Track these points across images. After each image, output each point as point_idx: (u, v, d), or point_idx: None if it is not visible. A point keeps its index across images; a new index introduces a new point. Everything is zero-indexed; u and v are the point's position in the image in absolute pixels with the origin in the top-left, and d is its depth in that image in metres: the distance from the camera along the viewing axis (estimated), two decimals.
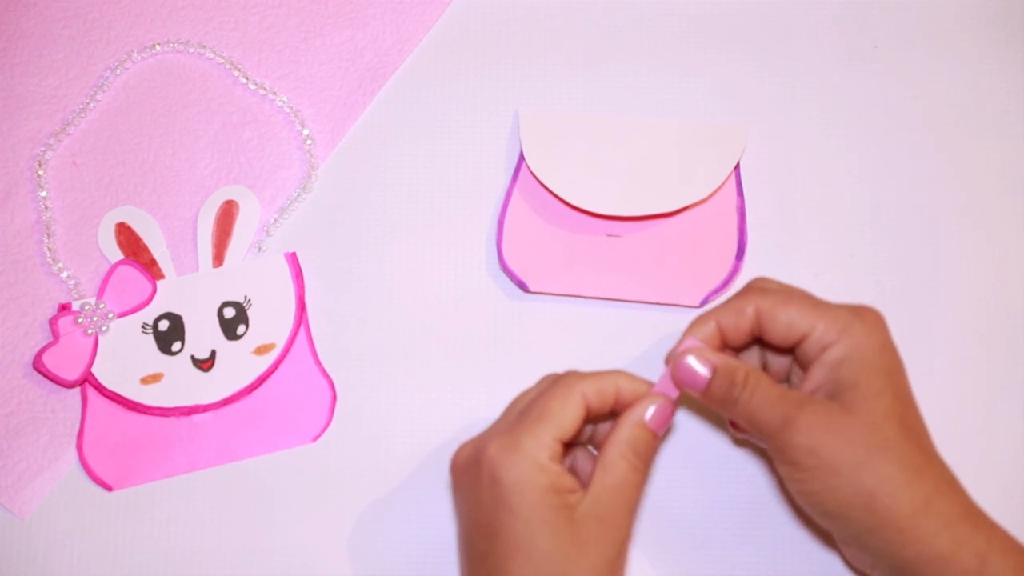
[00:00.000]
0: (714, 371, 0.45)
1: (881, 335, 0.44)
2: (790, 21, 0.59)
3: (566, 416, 0.45)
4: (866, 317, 0.44)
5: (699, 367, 0.45)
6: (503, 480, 0.43)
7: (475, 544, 0.45)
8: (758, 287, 0.47)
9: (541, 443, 0.44)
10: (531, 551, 0.43)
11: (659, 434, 0.45)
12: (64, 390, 0.54)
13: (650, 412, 0.45)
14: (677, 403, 0.46)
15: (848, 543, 0.45)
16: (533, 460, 0.43)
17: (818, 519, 0.45)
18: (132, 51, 0.58)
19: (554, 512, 0.43)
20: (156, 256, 0.55)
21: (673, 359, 0.46)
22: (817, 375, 0.44)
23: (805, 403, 0.44)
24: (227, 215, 0.56)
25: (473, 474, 0.45)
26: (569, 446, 0.48)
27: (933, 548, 0.42)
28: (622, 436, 0.45)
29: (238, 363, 0.54)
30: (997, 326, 0.55)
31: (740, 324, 0.46)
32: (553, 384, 0.46)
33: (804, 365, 0.46)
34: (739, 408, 0.45)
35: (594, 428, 0.48)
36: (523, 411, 0.46)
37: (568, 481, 0.44)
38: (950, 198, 0.57)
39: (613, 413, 0.46)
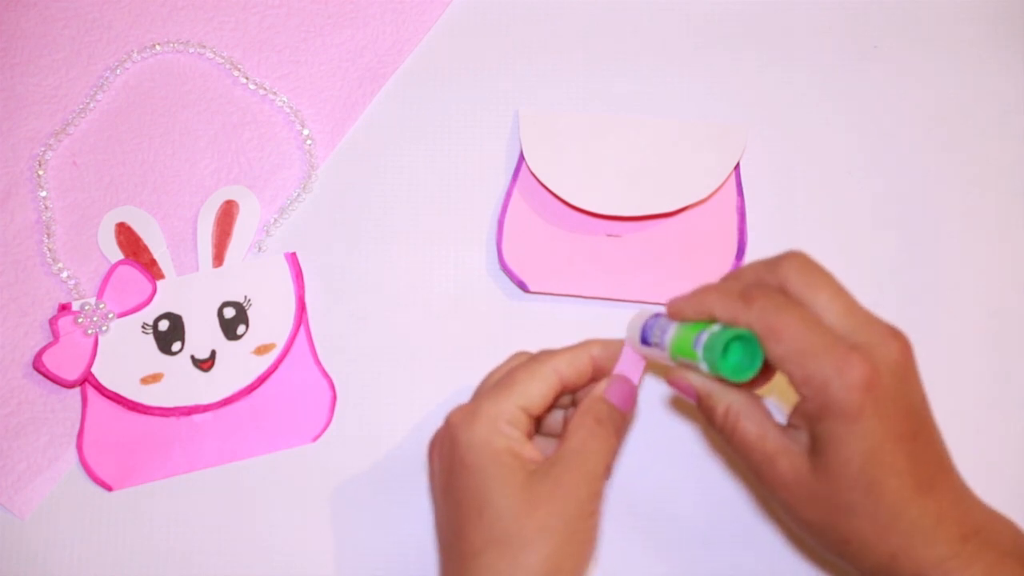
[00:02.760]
0: (696, 399, 0.45)
1: (868, 396, 0.41)
2: (790, 21, 0.59)
3: (532, 388, 0.45)
4: (855, 376, 0.40)
5: (685, 388, 0.45)
6: (460, 441, 0.44)
7: (440, 510, 0.46)
8: (768, 296, 0.42)
9: (500, 408, 0.45)
10: (484, 509, 0.43)
11: (622, 408, 0.46)
12: (64, 390, 0.54)
13: (607, 386, 0.46)
14: (640, 377, 0.47)
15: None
16: (490, 422, 0.44)
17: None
18: (132, 51, 0.58)
19: (508, 471, 0.43)
20: (156, 256, 0.55)
21: (673, 371, 0.45)
22: (798, 416, 0.43)
23: (778, 456, 0.42)
24: (227, 215, 0.56)
25: (439, 445, 0.46)
26: (541, 420, 0.48)
27: None
28: (582, 407, 0.46)
29: (238, 363, 0.54)
30: (998, 326, 0.55)
31: (733, 322, 0.43)
32: (527, 360, 0.47)
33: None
34: (722, 436, 0.44)
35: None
36: (492, 384, 0.47)
37: (529, 450, 0.45)
38: (951, 198, 0.57)
39: (595, 379, 0.47)
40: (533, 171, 0.55)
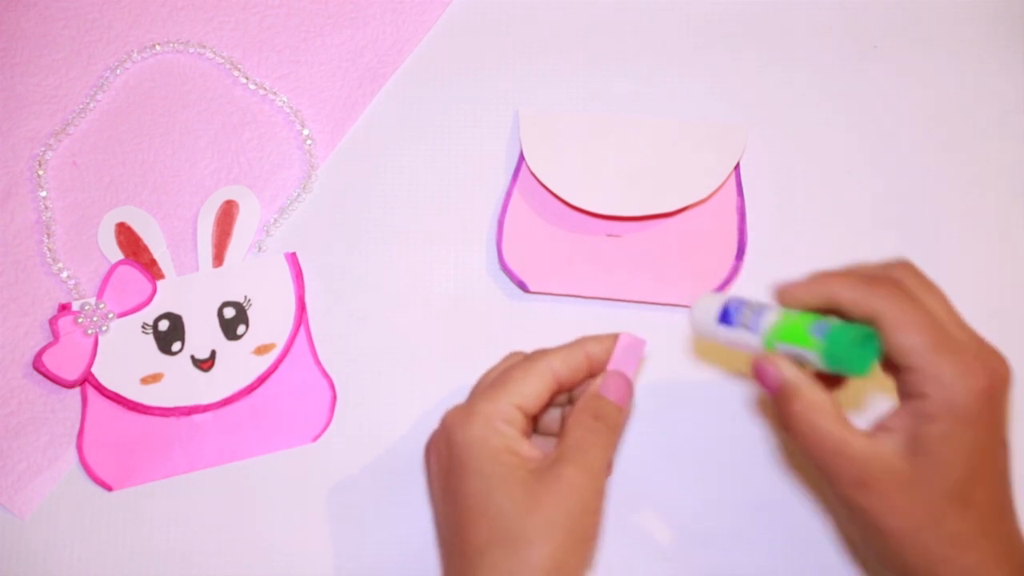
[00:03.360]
0: (777, 389, 0.43)
1: (985, 406, 0.41)
2: (790, 21, 0.59)
3: (527, 386, 0.45)
4: (979, 382, 0.40)
5: (771, 376, 0.43)
6: (458, 441, 0.44)
7: (440, 511, 0.46)
8: (895, 287, 0.41)
9: (496, 407, 0.45)
10: (487, 508, 0.43)
11: (619, 404, 0.46)
12: (64, 390, 0.54)
13: (602, 382, 0.46)
14: (636, 371, 0.47)
15: None
16: (487, 421, 0.44)
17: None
18: (132, 51, 0.58)
19: (508, 470, 0.43)
20: (156, 256, 0.55)
21: (764, 356, 0.43)
22: (904, 416, 0.42)
23: (868, 458, 0.41)
24: (227, 215, 0.56)
25: (435, 446, 0.46)
26: (537, 419, 0.49)
27: None
28: (580, 405, 0.46)
29: (238, 363, 0.54)
30: (998, 326, 0.55)
31: (859, 307, 0.42)
32: (521, 359, 0.47)
33: (898, 382, 0.43)
34: (790, 431, 0.43)
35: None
36: (487, 384, 0.47)
37: (527, 448, 0.45)
38: (951, 198, 0.57)
39: (592, 376, 0.48)
40: (533, 171, 0.55)
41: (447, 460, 0.45)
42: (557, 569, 0.42)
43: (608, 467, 0.45)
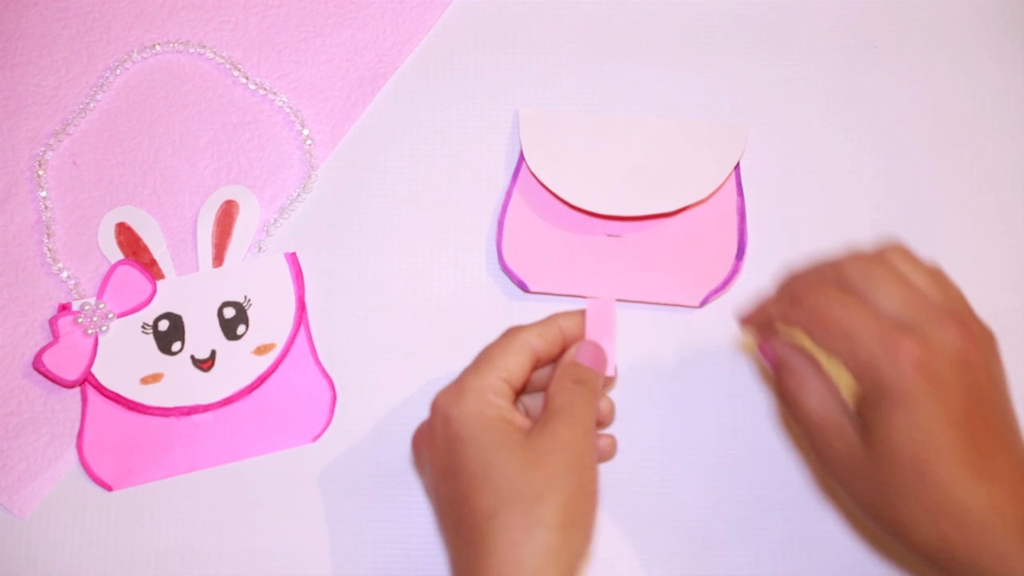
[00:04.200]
0: (774, 365, 0.46)
1: (921, 379, 0.41)
2: (790, 21, 0.59)
3: (508, 360, 0.47)
4: (905, 358, 0.41)
5: (770, 353, 0.46)
6: (452, 417, 0.45)
7: (441, 493, 0.46)
8: (818, 295, 0.43)
9: (485, 381, 0.46)
10: (489, 473, 0.44)
11: (595, 369, 0.48)
12: (64, 390, 0.54)
13: (576, 350, 0.49)
14: (613, 339, 0.50)
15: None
16: (479, 395, 0.46)
17: None
18: (132, 51, 0.58)
19: (505, 436, 0.45)
20: (156, 256, 0.55)
21: (758, 341, 0.47)
22: (856, 400, 0.44)
23: (834, 433, 0.44)
24: (227, 215, 0.56)
25: (427, 431, 0.47)
26: (520, 394, 0.50)
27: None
28: (558, 373, 0.48)
29: (238, 363, 0.54)
30: (998, 326, 0.55)
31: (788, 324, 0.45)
32: (498, 337, 0.49)
33: None
34: (786, 406, 0.46)
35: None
36: (470, 364, 0.48)
37: (519, 418, 0.46)
38: (952, 198, 0.57)
39: (566, 348, 0.49)
40: (533, 171, 0.55)
41: (443, 440, 0.45)
42: (569, 522, 0.43)
43: (594, 425, 0.47)
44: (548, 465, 0.44)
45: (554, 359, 0.49)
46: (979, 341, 0.43)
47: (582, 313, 0.50)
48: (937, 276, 0.44)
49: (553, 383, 0.47)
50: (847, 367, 0.42)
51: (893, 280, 0.43)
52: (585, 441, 0.45)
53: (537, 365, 0.48)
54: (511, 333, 0.48)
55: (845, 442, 0.43)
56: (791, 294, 0.44)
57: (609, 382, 0.53)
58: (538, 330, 0.48)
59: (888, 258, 0.44)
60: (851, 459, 0.43)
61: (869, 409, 0.42)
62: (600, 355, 0.49)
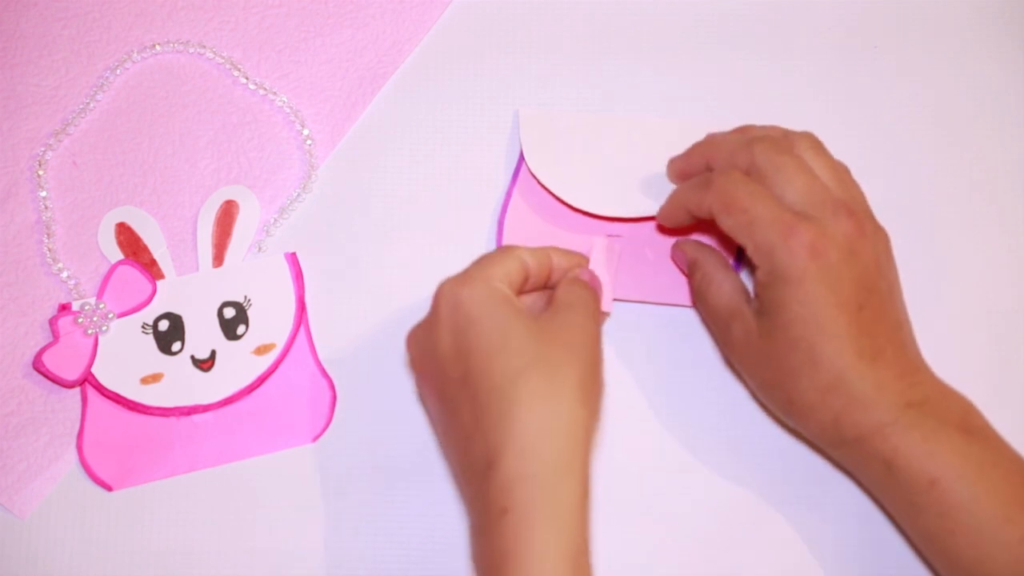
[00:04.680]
0: (687, 266, 0.51)
1: (812, 263, 0.44)
2: (790, 21, 0.59)
3: (506, 263, 0.48)
4: (799, 242, 0.44)
5: (680, 257, 0.52)
6: (463, 299, 0.45)
7: (451, 376, 0.45)
8: (728, 181, 0.47)
9: (491, 272, 0.47)
10: (508, 342, 0.44)
11: (595, 289, 0.50)
12: (64, 390, 0.54)
13: (580, 271, 0.50)
14: (610, 277, 0.52)
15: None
16: (486, 281, 0.46)
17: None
18: (132, 51, 0.58)
19: (518, 312, 0.45)
20: (156, 256, 0.55)
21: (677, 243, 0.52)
22: (755, 286, 0.47)
23: (733, 318, 0.48)
24: (227, 215, 0.56)
25: (427, 324, 0.47)
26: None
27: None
28: (565, 279, 0.49)
29: (238, 363, 0.54)
30: (998, 326, 0.55)
31: (700, 210, 0.49)
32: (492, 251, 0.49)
33: None
34: (697, 299, 0.51)
35: None
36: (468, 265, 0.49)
37: (525, 306, 0.47)
38: (952, 198, 0.57)
39: (547, 287, 0.50)
40: (533, 172, 0.55)
41: (453, 323, 0.45)
42: (587, 390, 0.44)
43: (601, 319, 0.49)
44: (563, 340, 0.45)
45: (539, 287, 0.50)
46: (870, 235, 0.46)
47: (574, 255, 0.51)
48: (840, 172, 0.48)
49: (560, 287, 0.48)
50: (748, 250, 0.46)
51: (798, 171, 0.46)
52: (595, 326, 0.46)
53: (525, 283, 0.49)
54: (505, 247, 0.49)
55: (745, 328, 0.47)
56: (704, 181, 0.48)
57: (604, 316, 0.53)
58: (531, 251, 0.49)
59: (798, 149, 0.48)
60: (750, 344, 0.47)
61: (766, 291, 0.45)
62: (599, 283, 0.50)
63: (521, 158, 0.57)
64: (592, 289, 0.49)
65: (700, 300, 0.51)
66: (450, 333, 0.46)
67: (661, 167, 0.55)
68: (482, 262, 0.48)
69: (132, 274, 0.55)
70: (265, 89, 0.58)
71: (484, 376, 0.44)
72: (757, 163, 0.47)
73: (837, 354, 0.44)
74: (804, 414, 0.46)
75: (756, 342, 0.47)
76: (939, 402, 0.45)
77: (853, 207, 0.46)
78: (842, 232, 0.45)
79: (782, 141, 0.48)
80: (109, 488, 0.53)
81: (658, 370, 0.54)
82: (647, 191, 0.54)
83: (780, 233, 0.44)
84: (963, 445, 0.44)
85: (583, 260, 0.51)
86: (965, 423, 0.45)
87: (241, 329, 0.55)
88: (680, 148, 0.55)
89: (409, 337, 0.49)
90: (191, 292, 0.55)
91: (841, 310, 0.44)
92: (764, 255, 0.45)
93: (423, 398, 0.51)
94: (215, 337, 0.54)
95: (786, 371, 0.45)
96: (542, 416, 0.43)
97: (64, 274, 0.55)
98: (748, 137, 0.48)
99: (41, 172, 0.56)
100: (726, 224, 0.46)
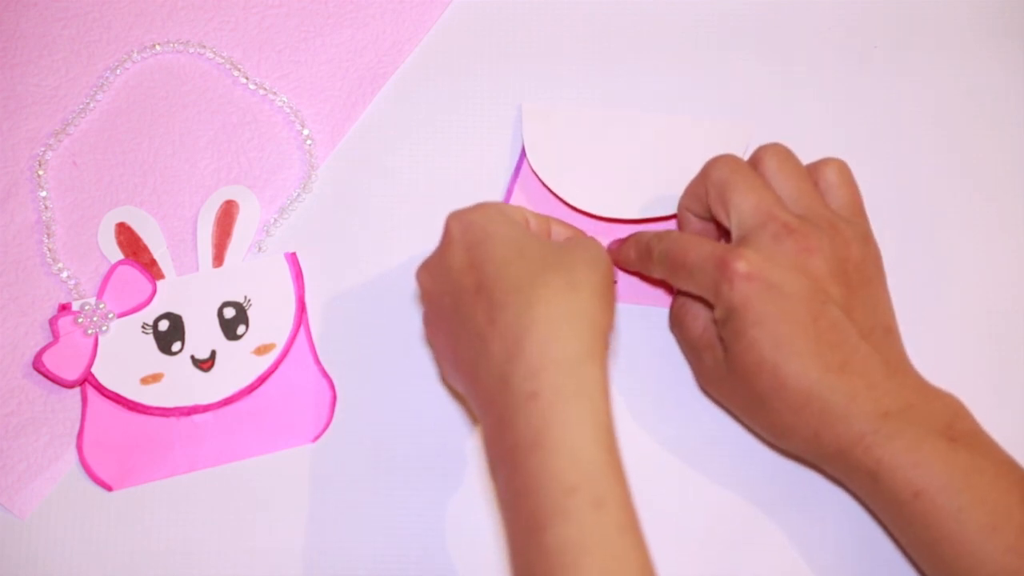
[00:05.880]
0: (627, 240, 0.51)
1: (748, 294, 0.44)
2: (791, 21, 0.59)
3: (512, 207, 0.48)
4: (732, 274, 0.45)
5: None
6: (475, 220, 0.46)
7: (464, 290, 0.45)
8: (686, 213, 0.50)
9: (499, 205, 0.47)
10: (525, 251, 0.44)
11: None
12: (64, 390, 0.54)
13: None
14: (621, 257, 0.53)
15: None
16: (497, 208, 0.47)
17: None
18: (132, 51, 0.58)
19: (529, 231, 0.46)
20: (156, 256, 0.55)
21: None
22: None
23: (705, 351, 0.49)
24: (227, 215, 0.56)
25: (440, 251, 0.47)
26: None
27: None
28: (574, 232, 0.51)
29: (238, 363, 0.54)
30: (998, 326, 0.55)
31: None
32: None
33: None
34: (675, 332, 0.52)
35: None
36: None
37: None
38: (952, 198, 0.57)
39: None
40: (535, 170, 0.55)
41: (465, 242, 0.45)
42: (603, 295, 0.44)
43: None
44: (578, 253, 0.45)
45: None
46: (818, 248, 0.45)
47: (573, 227, 0.51)
48: (802, 181, 0.48)
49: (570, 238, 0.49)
50: (702, 297, 0.46)
51: (748, 190, 0.46)
52: (607, 260, 0.46)
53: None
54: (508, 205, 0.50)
55: (715, 358, 0.48)
56: (645, 250, 0.49)
57: None
58: (532, 213, 0.50)
59: (761, 164, 0.48)
60: (720, 373, 0.48)
61: (724, 328, 0.46)
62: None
63: (522, 158, 0.57)
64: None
65: (676, 327, 0.52)
66: (463, 249, 0.45)
67: (662, 167, 0.55)
68: (488, 201, 0.48)
69: (132, 274, 0.55)
70: (265, 89, 0.58)
71: (500, 280, 0.44)
72: (713, 180, 0.47)
73: (802, 371, 0.44)
74: (785, 435, 0.47)
75: (724, 374, 0.47)
76: (922, 408, 0.45)
77: (797, 224, 0.45)
78: (782, 252, 0.45)
79: (739, 158, 0.48)
80: (109, 488, 0.53)
81: (657, 371, 0.54)
82: (648, 192, 0.54)
83: (716, 268, 0.45)
84: (948, 453, 0.43)
85: (581, 233, 0.52)
86: (951, 429, 0.44)
87: (241, 329, 0.55)
88: (681, 147, 0.55)
89: (419, 269, 0.49)
90: (191, 292, 0.55)
91: (795, 326, 0.44)
92: (712, 294, 0.46)
93: (430, 333, 0.49)
94: (215, 337, 0.54)
95: (758, 397, 0.46)
96: (562, 307, 0.42)
97: (64, 274, 0.55)
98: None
99: (41, 172, 0.56)
100: (677, 285, 0.48)
